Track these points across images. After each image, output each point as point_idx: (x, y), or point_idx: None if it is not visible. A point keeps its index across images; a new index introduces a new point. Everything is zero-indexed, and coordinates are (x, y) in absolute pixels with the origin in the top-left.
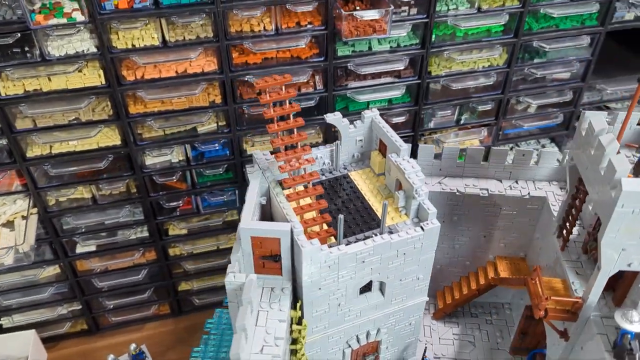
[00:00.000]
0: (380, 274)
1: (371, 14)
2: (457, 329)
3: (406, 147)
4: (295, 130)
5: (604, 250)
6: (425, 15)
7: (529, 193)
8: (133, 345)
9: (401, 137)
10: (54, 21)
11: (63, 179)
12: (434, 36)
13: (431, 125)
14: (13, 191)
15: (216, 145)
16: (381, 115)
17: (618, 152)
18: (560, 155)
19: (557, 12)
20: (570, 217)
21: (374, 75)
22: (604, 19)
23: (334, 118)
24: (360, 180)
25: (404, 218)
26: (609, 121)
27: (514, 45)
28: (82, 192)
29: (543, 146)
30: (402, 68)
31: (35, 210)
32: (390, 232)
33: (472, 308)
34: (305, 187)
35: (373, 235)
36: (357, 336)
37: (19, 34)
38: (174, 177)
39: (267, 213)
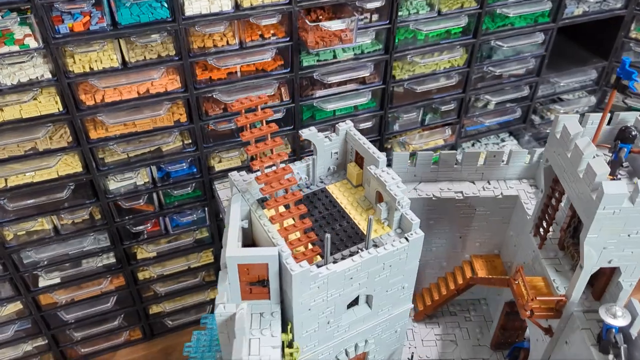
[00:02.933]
0: (367, 288)
1: (337, 25)
2: (439, 329)
3: (384, 159)
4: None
5: (586, 249)
6: (387, 22)
7: (501, 193)
8: None
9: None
10: (4, 49)
11: (22, 213)
12: (396, 41)
13: (396, 127)
14: None
15: (183, 164)
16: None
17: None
18: (528, 155)
19: (513, 12)
20: (547, 217)
21: (340, 83)
22: (555, 15)
23: (309, 133)
24: (339, 193)
25: (387, 230)
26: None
27: (473, 45)
28: (43, 224)
29: (502, 140)
30: (368, 74)
31: None
32: (375, 246)
33: (450, 307)
34: (288, 207)
35: (359, 251)
36: (345, 350)
37: None
38: (141, 201)
39: (248, 236)
